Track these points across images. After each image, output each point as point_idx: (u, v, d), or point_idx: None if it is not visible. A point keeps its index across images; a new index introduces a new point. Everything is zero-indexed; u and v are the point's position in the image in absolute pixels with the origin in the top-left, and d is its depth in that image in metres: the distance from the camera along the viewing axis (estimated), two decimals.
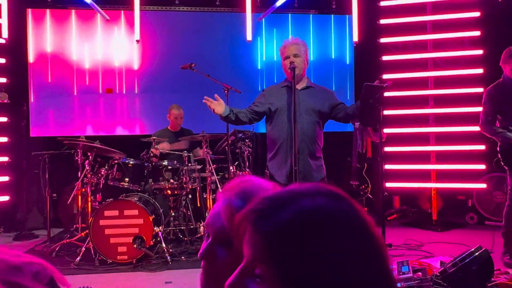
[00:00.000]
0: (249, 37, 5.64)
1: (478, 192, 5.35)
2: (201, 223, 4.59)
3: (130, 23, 5.82)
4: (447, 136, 5.25)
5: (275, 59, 6.12)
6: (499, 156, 3.84)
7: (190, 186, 4.42)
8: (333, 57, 6.28)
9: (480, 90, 4.92)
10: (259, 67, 6.19)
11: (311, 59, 5.98)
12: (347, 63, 6.29)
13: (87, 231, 4.03)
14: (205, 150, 4.40)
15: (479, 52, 5.17)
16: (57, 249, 4.21)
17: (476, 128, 4.11)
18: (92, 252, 3.95)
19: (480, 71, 5.12)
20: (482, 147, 5.03)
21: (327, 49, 6.27)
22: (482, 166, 5.08)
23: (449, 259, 3.01)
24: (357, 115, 3.11)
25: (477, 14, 5.18)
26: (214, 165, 4.46)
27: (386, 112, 5.05)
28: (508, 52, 3.68)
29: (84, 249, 3.96)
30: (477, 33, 5.18)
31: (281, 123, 3.16)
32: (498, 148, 3.85)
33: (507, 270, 3.45)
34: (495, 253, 3.65)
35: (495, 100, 3.79)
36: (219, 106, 3.06)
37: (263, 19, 6.04)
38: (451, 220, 5.45)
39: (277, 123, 3.18)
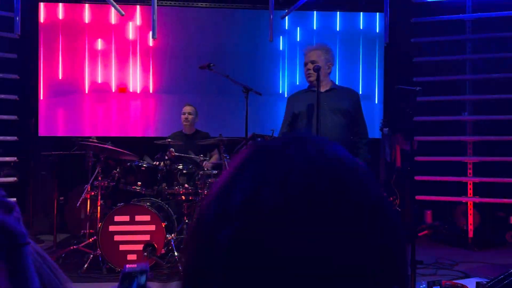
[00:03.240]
0: (271, 37, 5.67)
1: None
2: None
3: (146, 19, 5.94)
4: (486, 146, 5.20)
5: (297, 59, 6.16)
6: None
7: (205, 192, 4.40)
8: (361, 58, 6.27)
9: None
10: (280, 67, 6.25)
11: (336, 59, 5.96)
12: (377, 64, 6.27)
13: (95, 237, 4.06)
14: (222, 154, 4.46)
15: None
16: (63, 255, 4.25)
17: None
18: (100, 259, 3.98)
19: None
20: None
21: (355, 49, 6.26)
22: None
23: (487, 280, 2.96)
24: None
25: None
26: None
27: (418, 118, 5.02)
28: None
29: (91, 256, 3.99)
30: None
31: (302, 127, 3.32)
32: None
33: None
34: None
35: None
36: None
37: (286, 17, 6.06)
38: (489, 238, 5.35)
39: (297, 128, 3.36)
